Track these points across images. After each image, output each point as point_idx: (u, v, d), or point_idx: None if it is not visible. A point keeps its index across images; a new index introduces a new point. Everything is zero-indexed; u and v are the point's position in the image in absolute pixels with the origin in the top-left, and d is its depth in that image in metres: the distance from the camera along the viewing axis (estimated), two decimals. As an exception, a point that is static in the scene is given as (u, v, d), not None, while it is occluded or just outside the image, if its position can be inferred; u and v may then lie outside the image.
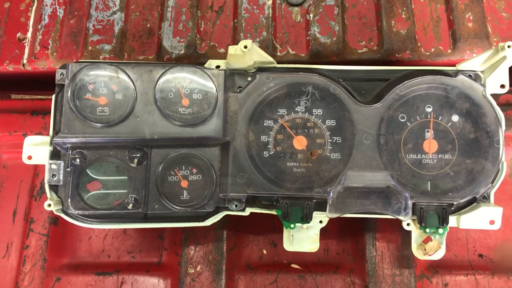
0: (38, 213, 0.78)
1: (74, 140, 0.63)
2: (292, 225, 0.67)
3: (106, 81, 0.65)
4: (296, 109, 0.70)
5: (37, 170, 0.80)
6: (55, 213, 0.64)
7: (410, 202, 0.66)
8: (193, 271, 0.74)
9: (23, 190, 0.79)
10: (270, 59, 0.70)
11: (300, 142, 0.69)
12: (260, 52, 0.68)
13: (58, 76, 0.65)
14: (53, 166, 0.64)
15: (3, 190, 0.79)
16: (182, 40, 0.85)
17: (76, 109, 0.63)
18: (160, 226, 0.68)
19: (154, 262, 0.77)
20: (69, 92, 0.63)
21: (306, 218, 0.67)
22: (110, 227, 0.65)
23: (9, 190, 0.80)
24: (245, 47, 0.65)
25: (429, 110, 0.69)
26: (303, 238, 0.68)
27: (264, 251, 0.77)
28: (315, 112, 0.70)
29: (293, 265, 0.76)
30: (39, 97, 0.90)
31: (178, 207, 0.67)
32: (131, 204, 0.65)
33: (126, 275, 0.75)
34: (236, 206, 0.68)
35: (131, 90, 0.65)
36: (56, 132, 0.64)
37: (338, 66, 0.72)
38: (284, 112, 0.70)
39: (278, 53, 0.85)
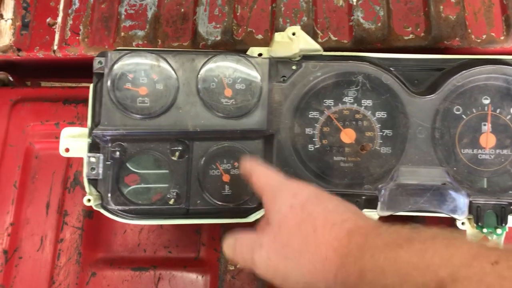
0: (72, 206, 0.76)
1: (114, 132, 0.60)
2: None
3: (146, 70, 0.62)
4: (344, 100, 0.66)
5: (70, 161, 0.77)
6: (95, 208, 0.61)
7: (467, 200, 0.62)
8: (233, 268, 0.71)
9: (56, 181, 0.77)
10: (317, 46, 0.66)
11: (348, 135, 0.66)
12: (307, 39, 0.64)
13: (96, 65, 0.62)
14: (92, 160, 0.61)
15: (36, 182, 0.77)
16: (218, 25, 0.81)
17: (116, 100, 0.60)
18: (203, 222, 0.65)
19: (191, 257, 0.74)
20: (109, 81, 0.60)
21: (355, 216, 0.63)
22: (151, 223, 0.63)
23: (42, 181, 0.77)
24: (293, 34, 0.61)
25: (486, 102, 0.65)
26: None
27: None
28: (364, 103, 0.66)
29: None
30: (70, 85, 0.87)
31: (220, 202, 0.64)
32: (172, 199, 0.62)
33: (163, 270, 0.73)
34: (279, 201, 0.65)
35: (173, 80, 0.62)
36: (95, 124, 0.61)
37: (389, 54, 0.67)
38: (331, 103, 0.66)
39: (319, 39, 0.81)
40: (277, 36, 0.61)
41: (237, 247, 0.49)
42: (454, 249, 0.35)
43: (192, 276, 0.73)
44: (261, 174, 0.52)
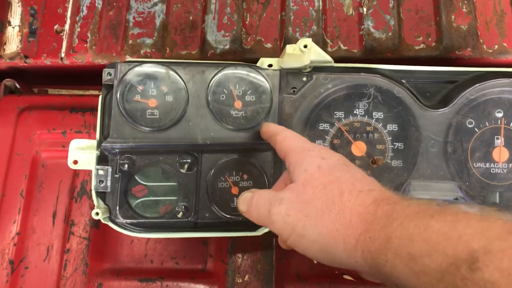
0: (78, 216, 0.75)
1: (123, 145, 0.59)
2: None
3: (156, 82, 0.61)
4: (354, 112, 0.65)
5: (77, 170, 0.77)
6: (103, 221, 0.60)
7: (479, 216, 0.61)
8: (241, 280, 0.70)
9: (62, 190, 0.76)
10: (328, 58, 0.65)
11: (359, 148, 0.65)
12: (318, 51, 0.63)
13: (105, 76, 0.61)
14: (101, 172, 0.60)
15: (42, 190, 0.77)
16: (227, 34, 0.81)
17: (125, 112, 0.59)
18: (211, 235, 0.64)
19: (199, 269, 0.74)
20: (118, 93, 0.60)
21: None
22: (159, 236, 0.62)
23: (48, 190, 0.77)
24: (305, 46, 0.60)
25: (499, 115, 0.64)
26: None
27: (315, 261, 0.73)
28: (375, 116, 0.65)
29: (346, 276, 0.72)
30: (77, 92, 0.87)
31: (229, 215, 0.63)
32: (181, 213, 0.62)
33: (170, 282, 0.72)
34: (289, 214, 0.64)
35: (182, 92, 0.61)
36: (104, 137, 0.60)
37: (401, 66, 0.66)
38: (342, 115, 0.65)
39: (329, 49, 0.80)
40: (289, 48, 0.60)
41: (254, 201, 0.48)
42: (488, 223, 0.35)
43: (199, 287, 0.72)
44: (288, 136, 0.52)
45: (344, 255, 0.42)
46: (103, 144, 0.59)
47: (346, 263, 0.42)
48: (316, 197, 0.43)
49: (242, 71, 0.63)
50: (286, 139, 0.51)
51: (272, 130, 0.55)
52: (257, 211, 0.47)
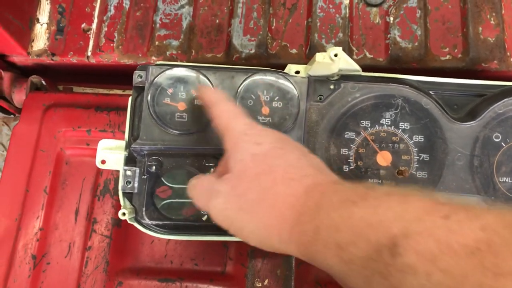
0: (101, 214, 0.76)
1: (152, 147, 0.60)
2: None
3: (186, 86, 0.61)
4: (381, 121, 0.65)
5: (100, 169, 0.77)
6: (129, 222, 0.61)
7: (504, 231, 0.61)
8: (260, 285, 0.71)
9: (85, 188, 0.77)
10: (357, 67, 0.65)
11: (384, 158, 0.65)
12: (348, 60, 0.63)
13: (136, 78, 0.62)
14: (128, 173, 0.61)
15: (66, 188, 0.77)
16: (253, 38, 0.81)
17: (155, 115, 0.60)
18: (234, 239, 0.65)
19: (218, 271, 0.74)
20: (149, 96, 0.60)
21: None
22: (184, 238, 0.63)
23: (72, 187, 0.78)
24: (335, 55, 0.60)
25: (527, 130, 0.64)
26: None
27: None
28: (402, 126, 0.65)
29: (365, 285, 0.72)
30: (102, 91, 0.87)
31: (252, 220, 0.64)
32: (206, 216, 0.62)
33: (189, 283, 0.73)
34: (311, 221, 0.64)
35: (212, 97, 0.61)
36: (134, 138, 0.61)
37: (429, 78, 0.66)
38: (368, 125, 0.65)
39: (355, 56, 0.80)
40: (319, 56, 0.60)
41: (196, 190, 0.49)
42: (407, 205, 0.35)
43: (219, 290, 0.72)
44: (225, 110, 0.50)
45: (281, 246, 0.42)
46: (132, 146, 0.60)
47: (284, 252, 0.43)
48: (250, 189, 0.43)
49: (271, 78, 0.63)
50: (223, 116, 0.50)
51: (208, 98, 0.53)
52: (199, 201, 0.49)
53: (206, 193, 0.47)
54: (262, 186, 0.43)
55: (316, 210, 0.40)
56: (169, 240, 0.76)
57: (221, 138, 0.50)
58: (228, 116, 0.50)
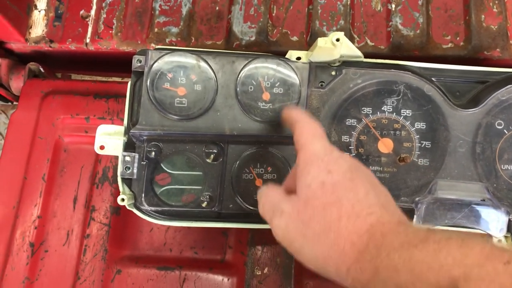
0: (99, 202, 0.75)
1: (152, 132, 0.59)
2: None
3: (186, 71, 0.61)
4: (382, 108, 0.65)
5: (99, 156, 0.77)
6: (128, 208, 0.60)
7: (506, 218, 0.61)
8: (260, 273, 0.70)
9: (84, 176, 0.76)
10: (358, 52, 0.64)
11: (385, 145, 0.64)
12: (350, 45, 0.62)
13: (135, 63, 0.61)
14: (127, 159, 0.60)
15: (64, 175, 0.77)
16: (253, 25, 0.80)
17: (155, 100, 0.59)
18: (233, 226, 0.64)
19: (217, 259, 0.74)
20: (149, 81, 0.59)
21: (390, 228, 0.62)
22: (182, 224, 0.62)
23: (70, 175, 0.77)
24: (337, 40, 0.59)
25: (529, 117, 0.63)
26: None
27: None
28: (403, 113, 0.64)
29: (365, 273, 0.71)
30: (101, 79, 0.87)
31: (252, 207, 0.63)
32: (205, 202, 0.62)
33: (188, 271, 0.72)
34: (312, 209, 0.64)
35: (212, 82, 0.61)
36: (133, 123, 0.60)
37: (431, 64, 0.66)
38: (370, 111, 0.65)
39: (356, 44, 0.79)
40: (320, 41, 0.60)
41: (262, 202, 0.50)
42: (468, 250, 0.36)
43: (218, 278, 0.72)
44: (306, 130, 0.50)
45: (337, 278, 0.43)
46: (131, 131, 0.59)
47: (339, 283, 0.44)
48: (315, 219, 0.44)
49: (271, 63, 0.63)
50: (303, 134, 0.50)
51: (293, 116, 0.53)
52: (263, 213, 0.50)
53: (272, 208, 0.48)
54: (327, 218, 0.43)
55: (376, 250, 0.40)
56: (168, 228, 0.75)
57: (296, 153, 0.49)
58: (308, 135, 0.50)
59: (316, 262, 0.44)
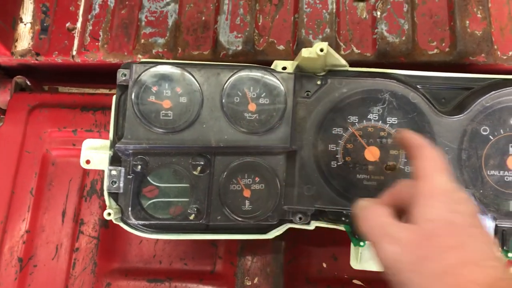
0: (88, 215, 0.75)
1: (137, 146, 0.59)
2: (361, 243, 0.63)
3: (170, 84, 0.61)
4: (368, 117, 0.65)
5: (87, 169, 0.76)
6: (115, 222, 0.60)
7: (492, 224, 0.61)
8: (250, 283, 0.70)
9: (72, 189, 0.76)
10: (343, 62, 0.65)
11: (372, 153, 0.64)
12: (334, 54, 0.63)
13: (119, 77, 0.61)
14: (113, 173, 0.60)
15: (52, 189, 0.76)
16: (239, 35, 0.80)
17: (140, 114, 0.59)
18: (222, 237, 0.64)
19: (207, 270, 0.73)
20: (133, 95, 0.59)
21: (378, 236, 0.62)
22: (170, 237, 0.62)
23: (58, 188, 0.77)
24: (321, 50, 0.60)
25: (514, 123, 0.63)
26: (373, 257, 0.64)
27: (324, 265, 0.73)
28: (389, 121, 0.65)
29: (355, 281, 0.72)
30: (88, 91, 0.86)
31: (240, 218, 0.63)
32: (193, 215, 0.61)
33: (178, 283, 0.72)
34: (300, 219, 0.64)
35: (197, 94, 0.61)
36: (118, 137, 0.60)
37: (416, 72, 0.66)
38: (356, 120, 0.65)
39: (342, 52, 0.79)
40: (305, 52, 0.60)
41: (367, 220, 0.46)
42: None
43: (208, 289, 0.72)
44: (430, 157, 0.47)
45: None
46: (117, 145, 0.59)
47: None
48: (434, 259, 0.41)
49: (257, 74, 0.63)
50: (427, 161, 0.47)
51: (414, 141, 0.50)
52: (366, 231, 0.46)
53: (382, 230, 0.45)
54: (446, 262, 0.41)
55: None
56: (157, 240, 0.75)
57: (414, 178, 0.47)
58: (434, 165, 0.47)
59: None
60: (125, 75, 0.61)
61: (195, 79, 0.61)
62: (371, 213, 0.47)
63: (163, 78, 0.61)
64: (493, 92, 0.63)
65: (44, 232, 0.75)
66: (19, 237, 0.74)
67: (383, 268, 0.44)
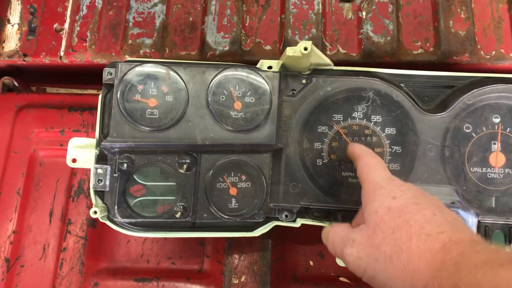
0: (75, 215, 0.75)
1: (123, 144, 0.59)
2: (347, 240, 0.63)
3: (156, 82, 0.61)
4: (353, 115, 0.66)
5: (75, 169, 0.77)
6: (101, 220, 0.60)
7: (475, 220, 0.62)
8: (237, 281, 0.71)
9: (60, 189, 0.76)
10: (328, 60, 0.65)
11: (357, 151, 0.65)
12: (318, 53, 0.63)
13: (105, 76, 0.61)
14: (99, 171, 0.60)
15: (39, 189, 0.76)
16: (226, 35, 0.81)
17: (125, 112, 0.59)
18: (208, 235, 0.64)
19: (195, 269, 0.74)
20: (119, 93, 0.60)
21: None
22: (157, 235, 0.62)
23: (46, 189, 0.77)
24: (305, 49, 0.60)
25: (496, 120, 0.64)
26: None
27: (311, 262, 0.74)
28: (373, 119, 0.65)
29: (342, 279, 0.72)
30: (76, 91, 0.87)
31: (226, 216, 0.63)
32: (179, 213, 0.62)
33: (166, 282, 0.72)
34: (286, 216, 0.65)
35: (183, 93, 0.61)
36: (104, 135, 0.60)
37: (400, 71, 0.67)
38: (341, 118, 0.66)
39: (328, 52, 0.80)
40: (289, 50, 0.60)
41: (330, 237, 0.51)
42: None
43: (196, 288, 0.72)
44: (368, 164, 0.53)
45: None
46: (102, 143, 0.59)
47: None
48: (385, 243, 0.44)
49: (242, 73, 0.63)
50: (365, 168, 0.53)
51: (356, 152, 0.56)
52: (332, 248, 0.51)
53: (341, 241, 0.49)
54: (397, 241, 0.44)
55: (455, 268, 0.40)
56: (145, 239, 0.75)
57: (362, 188, 0.51)
58: (370, 167, 0.52)
59: (391, 284, 0.44)
60: (111, 73, 0.61)
61: (180, 77, 0.61)
62: (333, 231, 0.52)
63: (149, 76, 0.61)
64: (475, 90, 0.64)
65: (31, 232, 0.75)
66: (6, 237, 0.73)
67: (355, 273, 0.48)
